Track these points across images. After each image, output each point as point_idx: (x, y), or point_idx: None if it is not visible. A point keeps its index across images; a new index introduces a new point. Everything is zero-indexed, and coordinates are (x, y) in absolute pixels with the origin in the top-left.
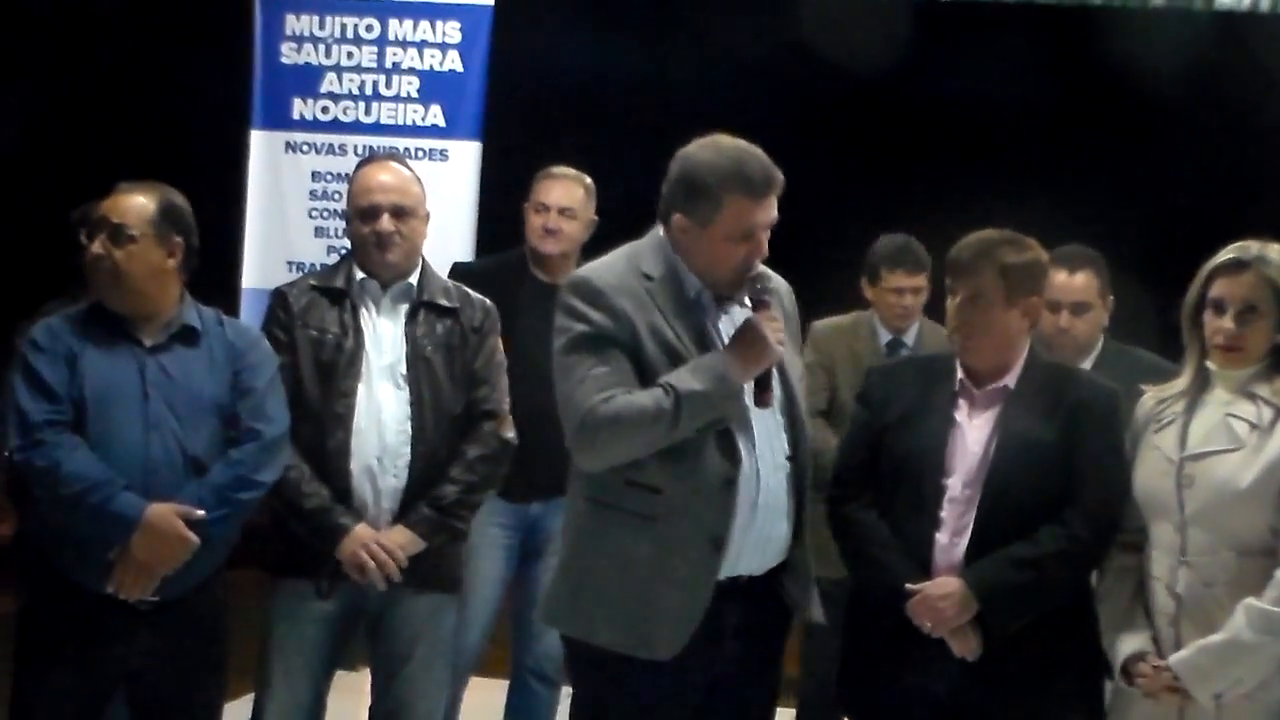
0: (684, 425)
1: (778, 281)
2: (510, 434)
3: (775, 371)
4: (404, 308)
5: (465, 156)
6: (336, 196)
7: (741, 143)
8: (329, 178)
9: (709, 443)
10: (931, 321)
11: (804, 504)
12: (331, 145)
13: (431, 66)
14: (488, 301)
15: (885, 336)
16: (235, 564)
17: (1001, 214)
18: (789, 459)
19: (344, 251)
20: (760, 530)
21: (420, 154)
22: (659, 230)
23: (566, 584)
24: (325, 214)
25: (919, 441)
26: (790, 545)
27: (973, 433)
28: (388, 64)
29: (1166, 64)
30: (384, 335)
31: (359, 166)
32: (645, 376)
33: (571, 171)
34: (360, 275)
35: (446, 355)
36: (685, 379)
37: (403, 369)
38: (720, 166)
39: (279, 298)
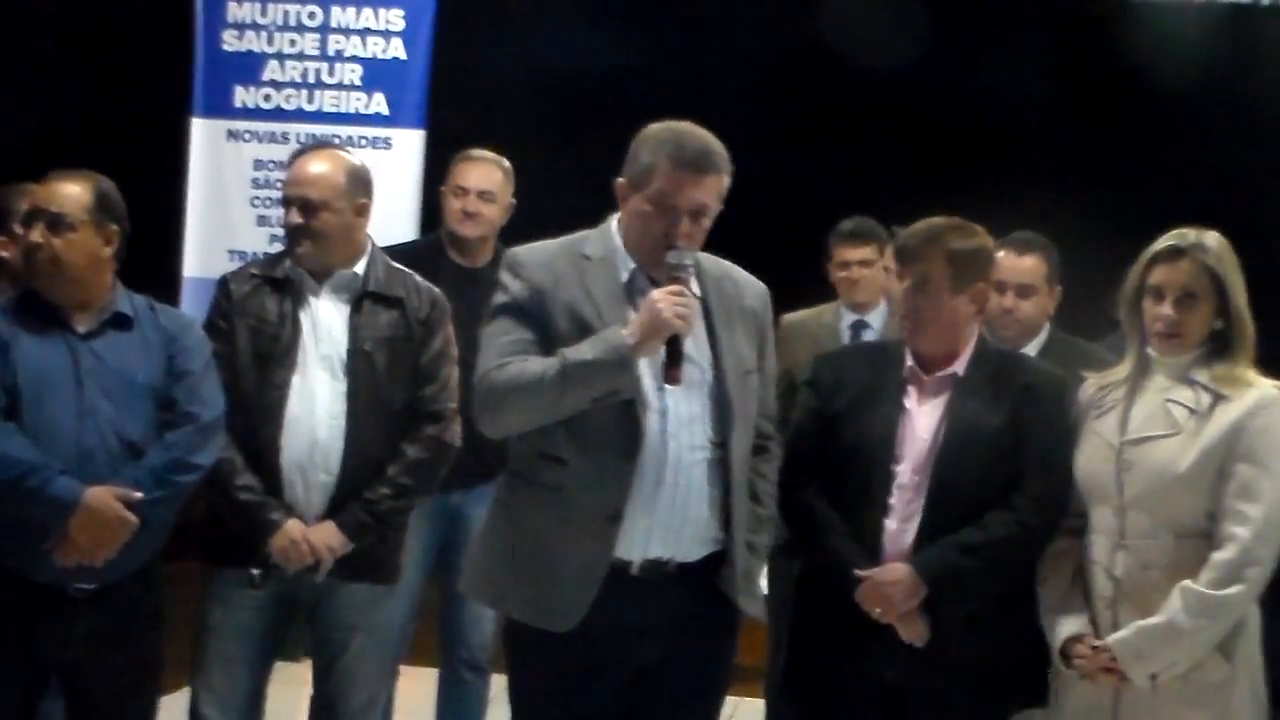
0: (573, 393)
1: (749, 282)
2: (453, 437)
3: (702, 353)
4: (346, 297)
5: (409, 145)
6: (279, 185)
7: (700, 130)
8: (271, 166)
9: (614, 417)
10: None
11: (734, 494)
12: (274, 133)
13: (375, 54)
14: (436, 291)
15: (848, 319)
16: (171, 556)
17: (1010, 212)
18: (715, 444)
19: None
20: (671, 512)
21: (363, 142)
22: (614, 216)
23: (483, 555)
24: (267, 202)
25: (868, 428)
26: (720, 535)
27: (922, 419)
28: (330, 52)
29: (1178, 58)
30: (325, 326)
31: (293, 156)
32: (553, 347)
33: (490, 154)
34: (292, 265)
35: (389, 348)
36: (579, 349)
37: (341, 362)
38: (660, 136)
39: (222, 286)
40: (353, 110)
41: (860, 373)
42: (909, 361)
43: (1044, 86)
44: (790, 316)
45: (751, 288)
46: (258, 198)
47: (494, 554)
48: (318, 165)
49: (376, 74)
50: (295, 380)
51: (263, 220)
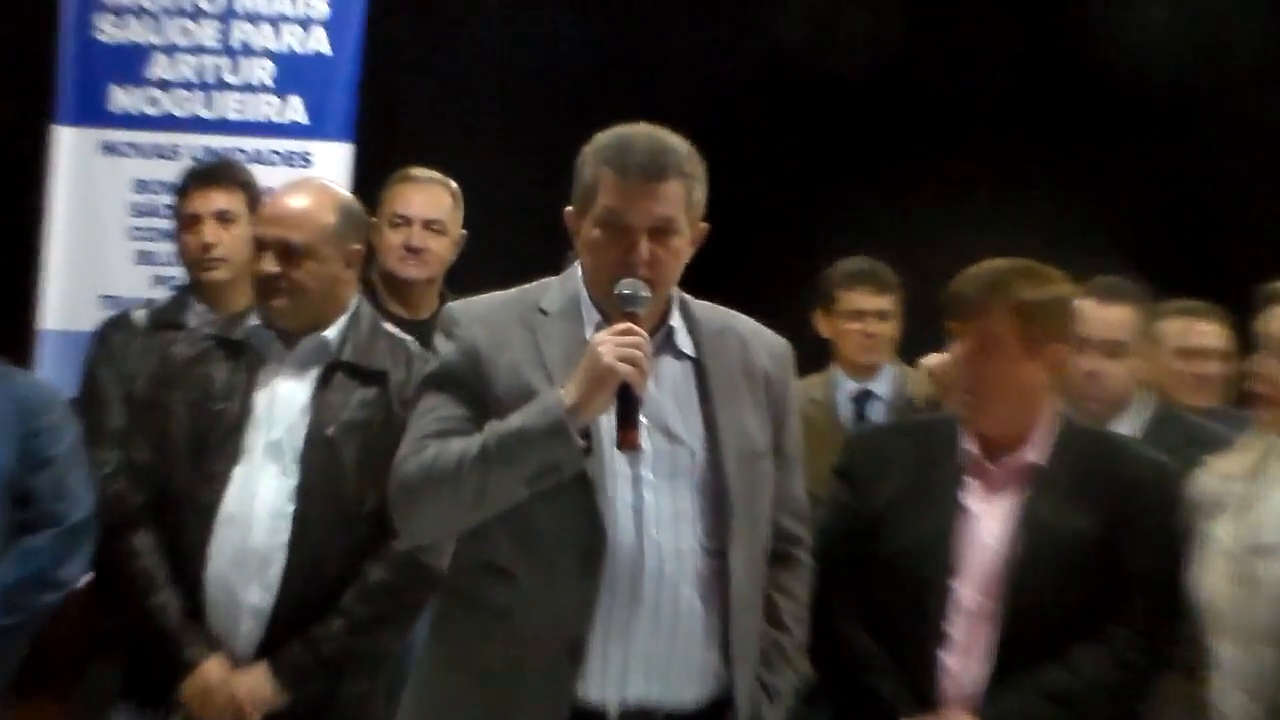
0: (500, 476)
1: (762, 336)
2: (434, 556)
3: (693, 430)
4: (316, 369)
5: (332, 162)
6: (166, 213)
7: (653, 129)
8: (156, 188)
9: (571, 514)
10: (909, 367)
11: (734, 618)
12: (160, 147)
13: (290, 48)
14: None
15: (848, 388)
16: (28, 692)
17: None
18: (710, 551)
19: (175, 284)
20: (653, 641)
21: (275, 158)
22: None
23: (420, 696)
24: (151, 235)
25: (918, 535)
26: (722, 671)
27: (988, 523)
28: (234, 43)
29: (1163, 53)
30: (283, 404)
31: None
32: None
33: (435, 174)
34: (257, 324)
35: (359, 435)
36: (510, 419)
37: (295, 450)
38: (601, 142)
39: (156, 349)
40: (262, 118)
41: (906, 460)
42: (968, 446)
43: (1024, 82)
44: None
45: (764, 342)
46: (139, 229)
47: (433, 695)
48: (301, 200)
49: (293, 72)
50: (237, 472)
51: (144, 257)
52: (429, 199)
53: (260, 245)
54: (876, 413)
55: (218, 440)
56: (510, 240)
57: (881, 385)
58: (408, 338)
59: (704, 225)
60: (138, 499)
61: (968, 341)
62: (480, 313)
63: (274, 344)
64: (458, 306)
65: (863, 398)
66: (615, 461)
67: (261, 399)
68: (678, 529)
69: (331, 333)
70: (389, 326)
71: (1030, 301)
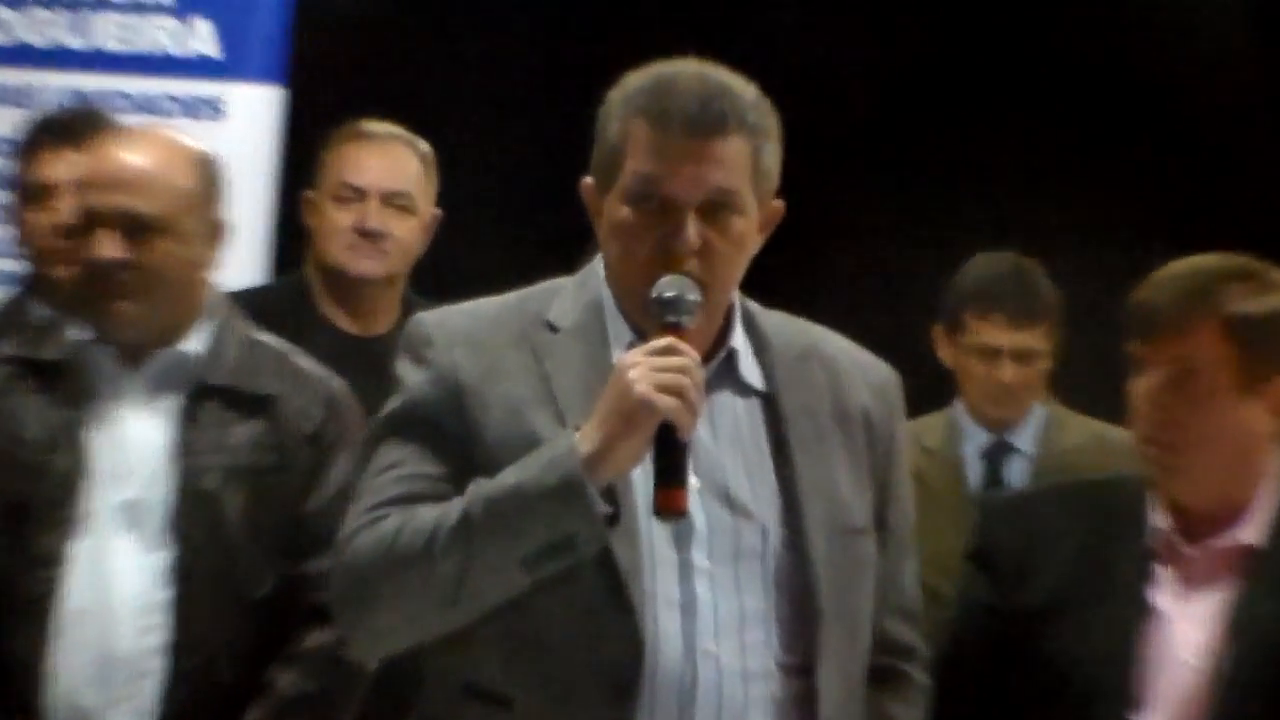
0: (488, 556)
1: (862, 365)
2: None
3: (763, 495)
4: (173, 397)
5: (256, 110)
6: (14, 181)
7: (703, 66)
8: (5, 147)
9: (588, 617)
10: (1066, 409)
11: None
12: (9, 89)
13: None
14: (335, 383)
15: (978, 437)
16: None
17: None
18: (788, 669)
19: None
20: None
21: (173, 106)
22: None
23: None
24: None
25: (1087, 647)
26: None
27: (1185, 630)
28: None
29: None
30: (131, 448)
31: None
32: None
33: (398, 130)
34: (84, 336)
35: (248, 488)
36: (501, 475)
37: (162, 512)
38: (635, 84)
39: None
40: (155, 50)
41: (1069, 541)
42: (1159, 521)
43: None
44: None
45: (863, 372)
46: None
47: None
48: (146, 155)
49: None
50: (79, 549)
51: None
52: (391, 164)
53: (89, 220)
54: (1018, 472)
55: (43, 506)
56: (502, 225)
57: (1025, 435)
58: (287, 348)
59: (777, 203)
60: None
61: (1160, 372)
62: (463, 329)
63: (109, 364)
64: (430, 320)
65: (998, 452)
66: (654, 539)
67: (101, 443)
68: (744, 638)
69: (193, 344)
70: (265, 336)
71: (1249, 316)
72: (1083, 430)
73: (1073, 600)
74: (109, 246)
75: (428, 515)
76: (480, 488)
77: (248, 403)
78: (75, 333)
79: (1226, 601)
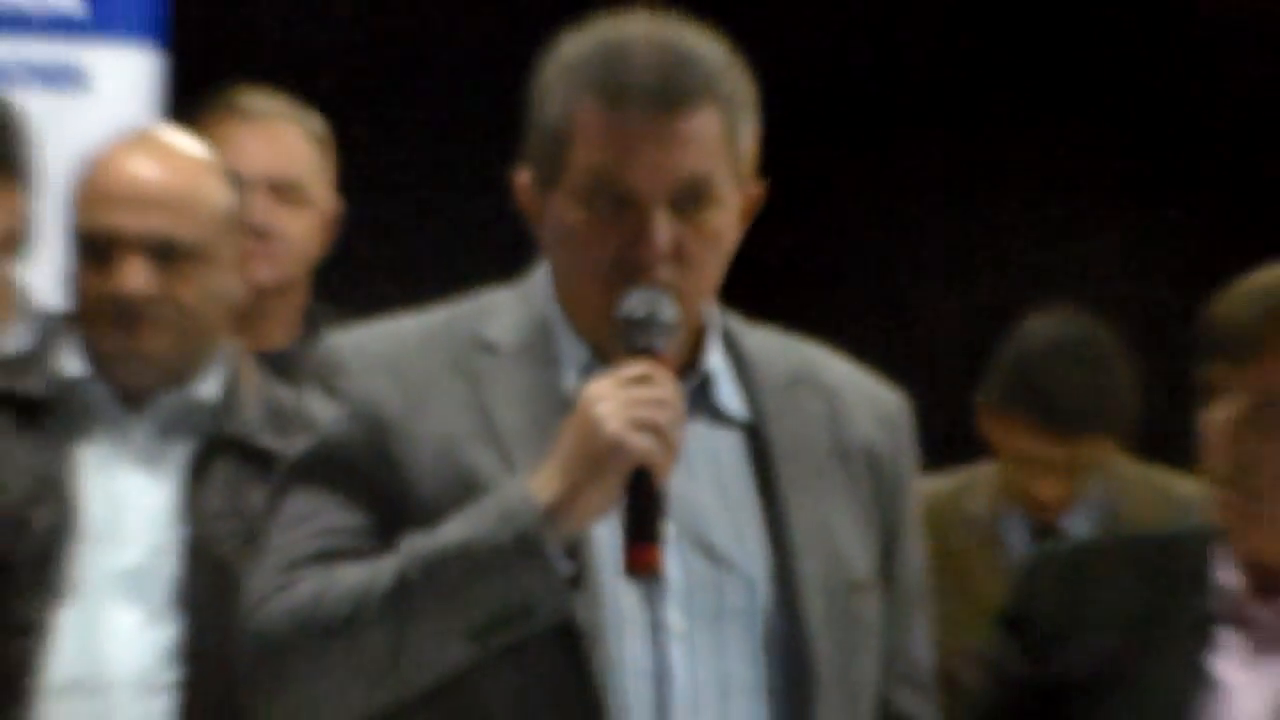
0: (427, 626)
1: (865, 393)
2: None
3: (749, 545)
4: (182, 449)
5: (128, 78)
6: None
7: (658, 22)
8: None
9: (545, 685)
10: (1124, 460)
11: None
12: None
13: None
14: None
15: (1018, 525)
16: None
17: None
18: None
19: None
20: None
21: (34, 75)
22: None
23: None
24: None
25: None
26: None
27: (1250, 705)
28: None
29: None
30: (131, 506)
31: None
32: (409, 534)
33: (282, 104)
34: (76, 371)
35: None
36: (443, 530)
37: (169, 582)
38: (576, 50)
39: None
40: (5, 7)
41: (1123, 600)
42: (1228, 578)
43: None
44: None
45: (869, 403)
46: None
47: None
48: (167, 168)
49: None
50: (64, 618)
51: None
52: (277, 146)
53: (107, 244)
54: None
55: (24, 568)
56: (422, 219)
57: (1083, 516)
58: (290, 394)
59: (757, 187)
60: None
61: (1243, 402)
62: (383, 354)
63: (107, 405)
64: (346, 345)
65: (1043, 534)
66: (619, 598)
67: (94, 498)
68: (727, 712)
69: (207, 388)
70: (275, 382)
71: None
72: (1145, 486)
73: (1121, 670)
74: (138, 277)
75: (352, 578)
76: (416, 545)
77: (264, 459)
78: (68, 364)
79: None
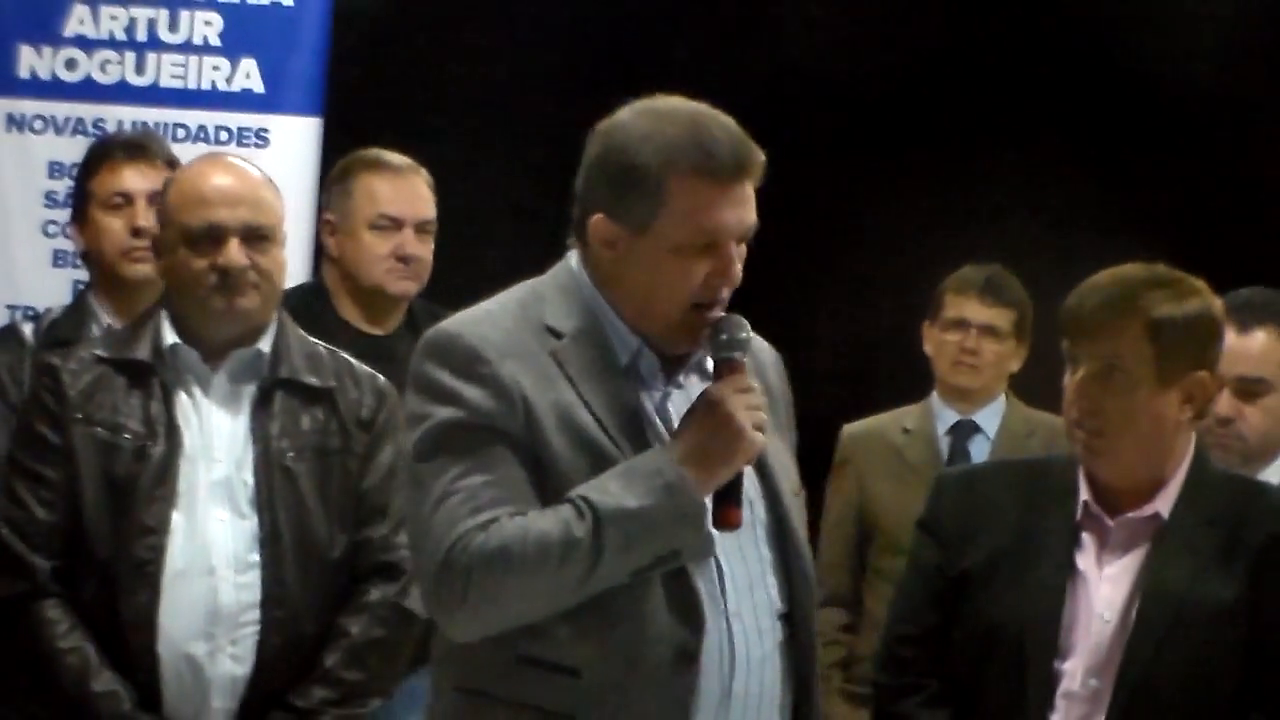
0: (610, 566)
1: (758, 343)
2: (417, 603)
3: (755, 475)
4: (250, 389)
5: (297, 140)
6: None
7: (698, 105)
8: (75, 172)
9: (652, 593)
10: (1023, 404)
11: (811, 694)
12: (81, 121)
13: None
14: (380, 379)
15: (948, 418)
16: None
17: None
18: (783, 618)
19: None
20: None
21: (225, 136)
22: (571, 260)
23: None
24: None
25: (1019, 601)
26: None
27: (1104, 589)
28: None
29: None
30: (217, 434)
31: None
32: (550, 488)
33: (408, 161)
34: (172, 339)
35: (319, 466)
36: (612, 491)
37: (248, 487)
38: (664, 135)
39: (45, 374)
40: (207, 85)
41: (1007, 508)
42: (1084, 495)
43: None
44: (852, 428)
45: (768, 356)
46: (53, 222)
47: None
48: (241, 176)
49: (245, 28)
50: (177, 519)
51: (61, 258)
52: (419, 196)
53: (212, 234)
54: (979, 449)
55: (146, 485)
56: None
57: (989, 418)
58: (331, 348)
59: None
60: (41, 563)
61: (1089, 366)
62: (500, 341)
63: (195, 362)
64: (466, 334)
65: (964, 431)
66: None
67: (190, 430)
68: (754, 598)
69: (265, 344)
70: (310, 338)
71: (1167, 319)
72: (1033, 418)
73: (1008, 564)
74: (239, 253)
75: (547, 524)
76: (601, 501)
77: (310, 394)
78: (168, 337)
79: (1141, 565)
